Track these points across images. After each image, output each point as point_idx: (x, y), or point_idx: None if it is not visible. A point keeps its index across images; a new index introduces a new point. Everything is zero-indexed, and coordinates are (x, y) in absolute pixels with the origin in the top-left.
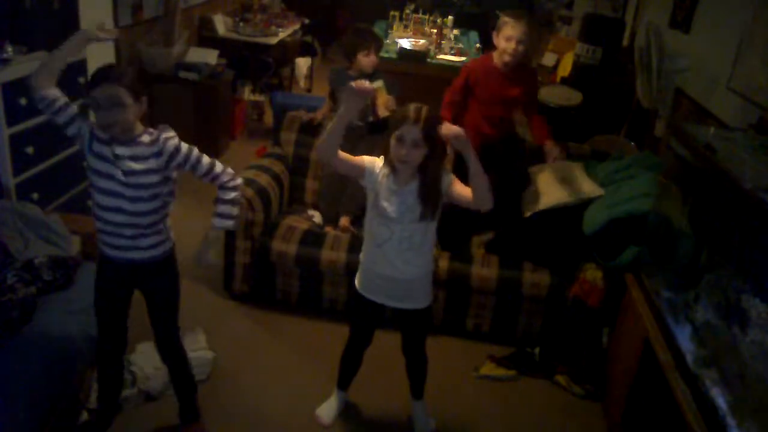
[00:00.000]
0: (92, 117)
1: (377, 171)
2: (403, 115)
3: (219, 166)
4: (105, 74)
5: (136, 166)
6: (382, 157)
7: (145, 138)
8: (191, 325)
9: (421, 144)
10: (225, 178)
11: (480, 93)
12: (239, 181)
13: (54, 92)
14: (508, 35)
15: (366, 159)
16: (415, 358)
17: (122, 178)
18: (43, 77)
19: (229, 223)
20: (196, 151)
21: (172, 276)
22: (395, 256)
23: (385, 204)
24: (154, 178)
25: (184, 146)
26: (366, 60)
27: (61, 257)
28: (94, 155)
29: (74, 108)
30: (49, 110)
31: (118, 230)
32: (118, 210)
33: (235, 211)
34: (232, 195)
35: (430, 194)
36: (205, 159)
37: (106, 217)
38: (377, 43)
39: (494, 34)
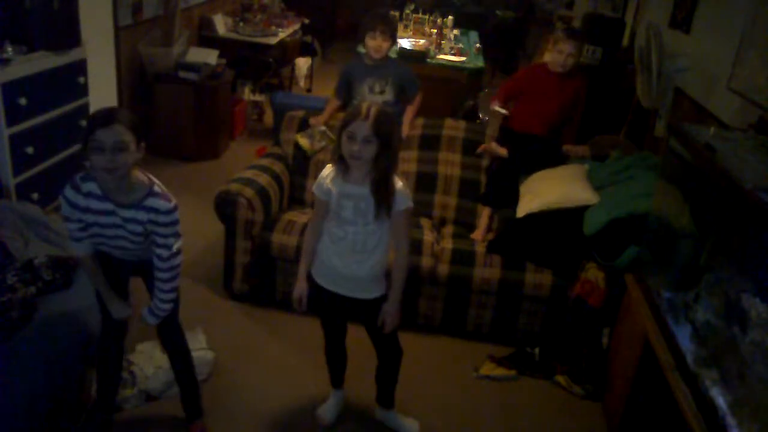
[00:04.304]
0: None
1: (324, 183)
2: (353, 113)
3: (169, 251)
4: (110, 115)
5: (137, 228)
6: (327, 167)
7: (139, 195)
8: (191, 325)
9: (373, 140)
10: (161, 265)
11: (532, 92)
12: (176, 273)
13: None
14: (560, 49)
15: (315, 192)
16: (386, 352)
17: (127, 235)
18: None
19: (162, 317)
20: (175, 236)
21: None
22: (349, 256)
23: (338, 207)
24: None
25: (169, 227)
26: (371, 43)
27: (61, 257)
28: (94, 213)
29: (78, 233)
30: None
31: (122, 255)
32: (121, 248)
33: (168, 306)
34: (168, 287)
35: (383, 191)
36: (171, 241)
37: (109, 243)
38: (385, 27)
39: (550, 44)
